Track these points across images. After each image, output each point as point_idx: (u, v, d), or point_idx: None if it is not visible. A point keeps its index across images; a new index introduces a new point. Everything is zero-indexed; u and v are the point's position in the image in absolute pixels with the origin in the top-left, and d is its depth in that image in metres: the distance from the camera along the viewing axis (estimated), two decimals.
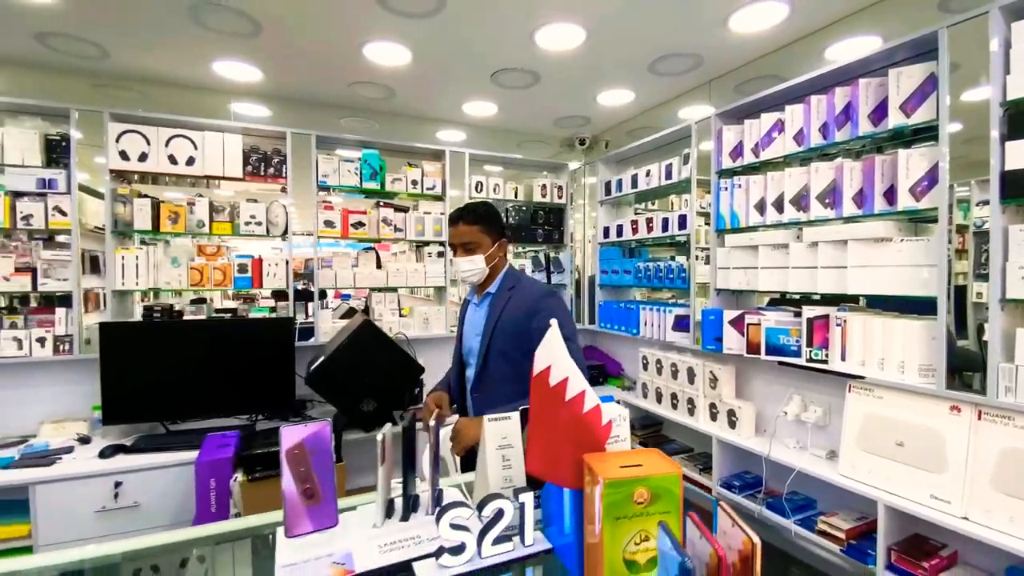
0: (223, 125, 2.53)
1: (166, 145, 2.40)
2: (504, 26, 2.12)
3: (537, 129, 3.48)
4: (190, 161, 2.44)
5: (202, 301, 2.75)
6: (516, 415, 0.95)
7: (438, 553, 0.79)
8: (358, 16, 2.02)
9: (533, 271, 3.23)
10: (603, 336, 3.36)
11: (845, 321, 1.83)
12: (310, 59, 2.46)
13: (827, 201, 1.90)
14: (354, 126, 3.29)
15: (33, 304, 2.42)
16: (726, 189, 2.30)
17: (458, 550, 0.79)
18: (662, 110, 3.05)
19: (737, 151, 2.27)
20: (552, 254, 3.33)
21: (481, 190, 3.10)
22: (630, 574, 0.70)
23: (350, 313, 3.26)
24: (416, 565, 0.79)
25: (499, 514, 0.81)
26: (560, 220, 3.35)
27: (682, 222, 2.58)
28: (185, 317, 2.54)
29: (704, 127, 2.43)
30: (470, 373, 1.67)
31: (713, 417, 2.34)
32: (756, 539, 0.54)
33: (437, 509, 0.80)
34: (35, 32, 2.10)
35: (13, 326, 2.24)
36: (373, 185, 2.83)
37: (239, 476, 1.91)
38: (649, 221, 2.82)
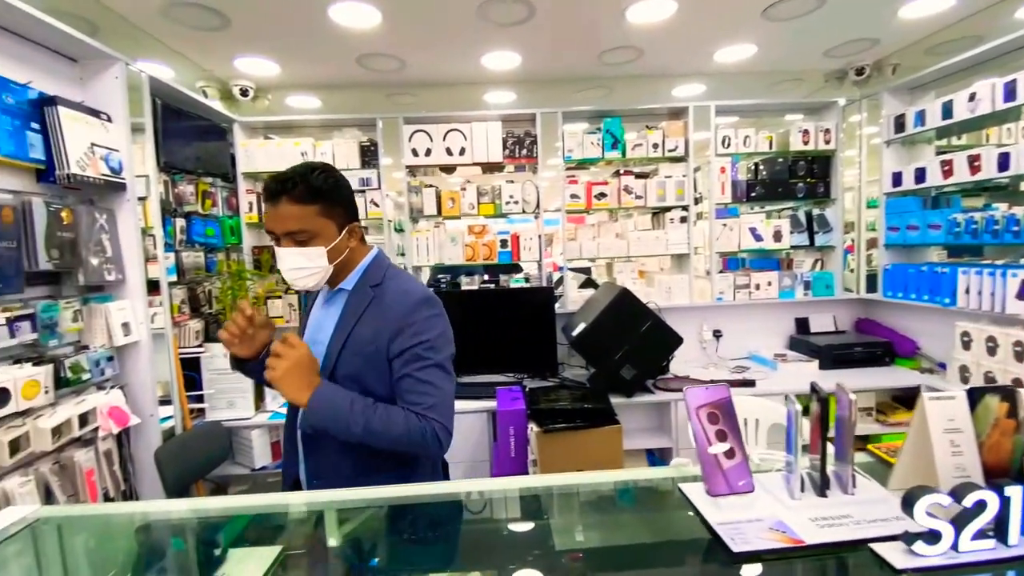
0: (485, 115, 2.79)
1: (444, 139, 2.76)
2: None
3: (797, 66, 3.01)
4: (462, 151, 2.76)
5: (470, 274, 3.15)
6: (963, 393, 0.81)
7: (908, 538, 0.72)
8: None
9: (792, 232, 2.86)
10: (886, 307, 2.81)
11: None
12: (571, 34, 2.52)
13: None
14: (589, 97, 3.32)
15: None
16: None
17: (932, 538, 0.71)
18: (991, 13, 2.32)
19: None
20: (815, 211, 2.89)
21: (729, 145, 2.84)
22: None
23: (588, 283, 3.37)
24: (875, 547, 0.74)
25: (980, 505, 0.70)
26: (826, 170, 2.87)
27: None
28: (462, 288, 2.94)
29: None
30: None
31: None
32: None
33: (903, 494, 0.73)
34: (357, 55, 2.59)
35: None
36: (615, 154, 2.83)
37: (533, 427, 2.14)
38: (974, 160, 2.21)
